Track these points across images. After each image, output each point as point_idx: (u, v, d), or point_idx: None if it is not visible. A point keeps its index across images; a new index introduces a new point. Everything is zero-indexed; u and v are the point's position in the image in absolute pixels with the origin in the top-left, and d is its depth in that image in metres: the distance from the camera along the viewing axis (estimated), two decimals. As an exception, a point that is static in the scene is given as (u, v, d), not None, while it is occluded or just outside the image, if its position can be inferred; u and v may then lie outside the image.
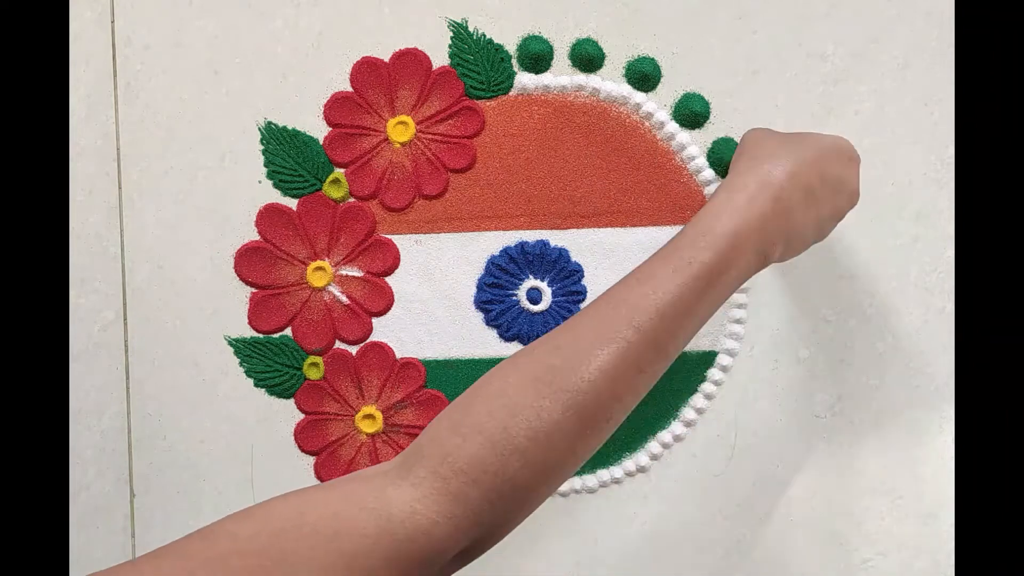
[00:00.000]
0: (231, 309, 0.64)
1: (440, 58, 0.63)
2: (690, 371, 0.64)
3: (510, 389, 0.45)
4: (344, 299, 0.64)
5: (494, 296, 0.64)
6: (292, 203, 0.64)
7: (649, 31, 0.63)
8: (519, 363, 0.46)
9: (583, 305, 0.64)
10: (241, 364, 0.64)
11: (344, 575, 0.40)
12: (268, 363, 0.64)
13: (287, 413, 0.65)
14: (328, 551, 0.41)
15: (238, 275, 0.64)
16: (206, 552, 0.40)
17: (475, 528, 0.43)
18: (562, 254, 0.64)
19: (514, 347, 0.64)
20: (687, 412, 0.64)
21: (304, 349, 0.64)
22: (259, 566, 0.40)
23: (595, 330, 0.46)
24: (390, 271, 0.64)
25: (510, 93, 0.63)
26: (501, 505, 0.44)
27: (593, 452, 0.47)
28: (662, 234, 0.64)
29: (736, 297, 0.64)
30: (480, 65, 0.63)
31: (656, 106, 0.63)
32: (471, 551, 0.45)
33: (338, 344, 0.64)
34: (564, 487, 0.65)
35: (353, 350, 0.64)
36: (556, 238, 0.64)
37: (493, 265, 0.64)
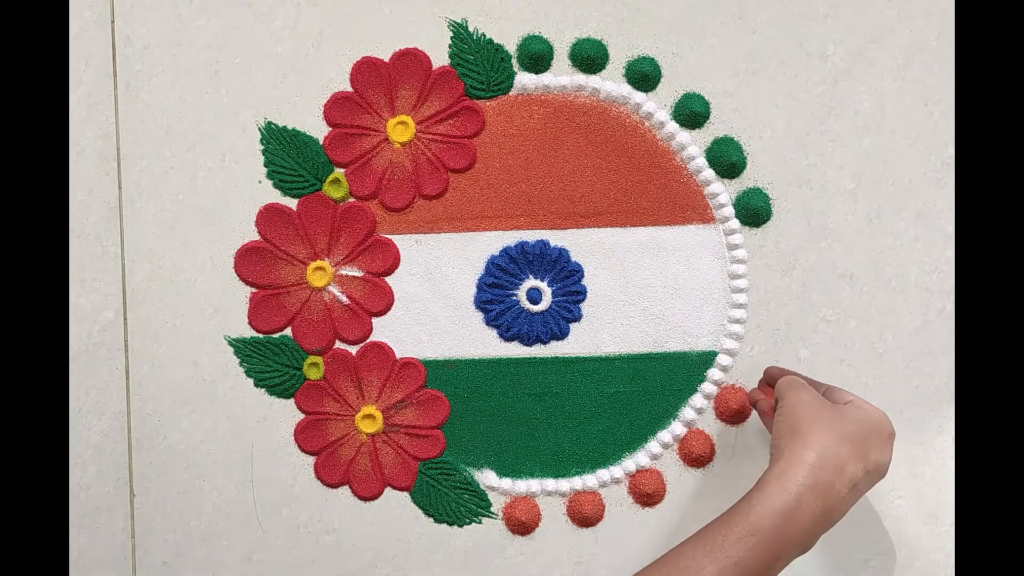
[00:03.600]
0: (231, 309, 0.64)
1: (440, 58, 0.63)
2: (690, 371, 0.64)
3: None
4: (344, 299, 0.64)
5: (494, 296, 0.64)
6: (292, 203, 0.64)
7: (649, 31, 0.63)
8: None
9: (583, 306, 0.64)
10: (241, 364, 0.64)
11: None
12: (268, 363, 0.64)
13: (287, 413, 0.65)
14: None
15: (238, 275, 0.64)
16: None
17: None
18: (562, 254, 0.64)
19: (514, 347, 0.64)
20: (687, 412, 0.64)
21: (304, 349, 0.64)
22: None
23: None
24: (390, 271, 0.64)
25: (510, 93, 0.63)
26: None
27: None
28: (662, 234, 0.64)
29: (736, 297, 0.64)
30: (480, 65, 0.63)
31: (656, 106, 0.63)
32: None
33: (338, 344, 0.64)
34: (564, 487, 0.65)
35: (353, 350, 0.64)
36: (556, 238, 0.64)
37: (493, 265, 0.64)
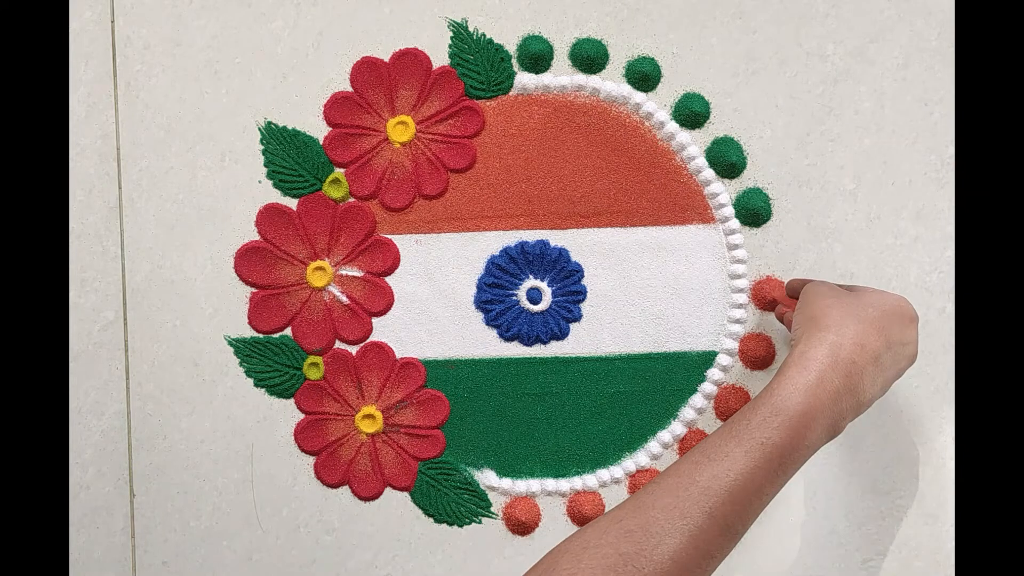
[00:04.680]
0: (231, 309, 0.64)
1: (440, 58, 0.63)
2: (690, 371, 0.64)
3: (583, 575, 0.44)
4: (344, 299, 0.64)
5: (494, 296, 0.64)
6: (292, 203, 0.64)
7: (649, 31, 0.63)
8: (590, 547, 0.45)
9: (583, 306, 0.64)
10: (241, 364, 0.64)
11: None
12: (268, 363, 0.64)
13: (287, 413, 0.65)
14: None
15: (238, 275, 0.64)
16: None
17: None
18: (562, 254, 0.64)
19: (514, 347, 0.64)
20: (687, 412, 0.64)
21: (304, 349, 0.64)
22: None
23: (666, 514, 0.46)
24: (390, 271, 0.64)
25: (510, 93, 0.63)
26: None
27: None
28: (662, 234, 0.64)
29: (736, 297, 0.64)
30: (480, 65, 0.63)
31: (656, 106, 0.63)
32: None
33: (338, 344, 0.64)
34: (564, 487, 0.65)
35: (353, 350, 0.64)
36: (556, 238, 0.64)
37: (493, 265, 0.64)
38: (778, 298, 0.62)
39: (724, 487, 0.46)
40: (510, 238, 0.64)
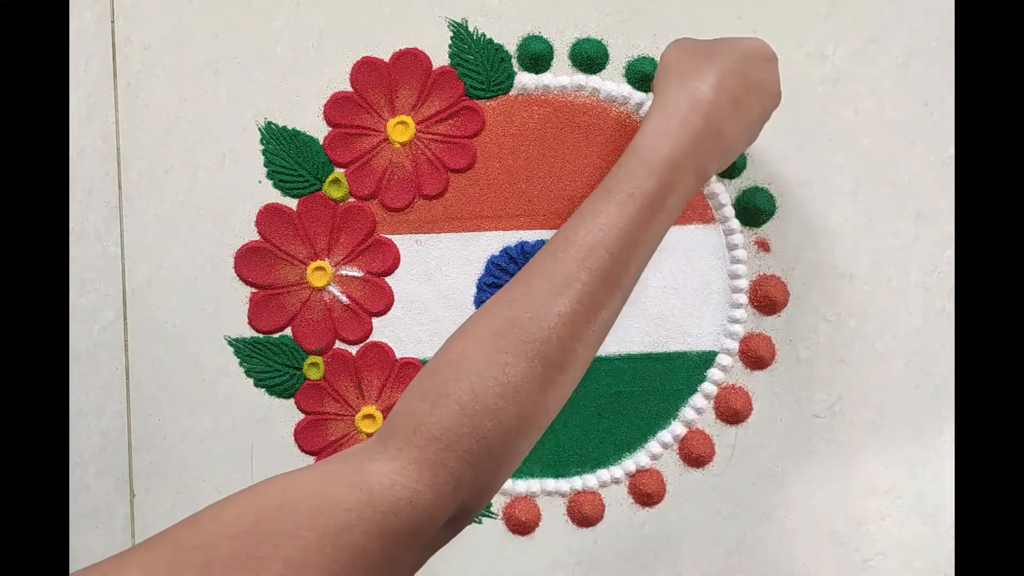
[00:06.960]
0: (231, 309, 0.64)
1: (440, 58, 0.63)
2: (690, 371, 0.64)
3: (471, 349, 0.46)
4: (344, 299, 0.64)
5: (494, 296, 0.64)
6: (292, 203, 0.64)
7: (649, 31, 0.63)
8: (478, 323, 0.47)
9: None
10: (241, 364, 0.64)
11: (329, 551, 0.40)
12: (268, 363, 0.64)
13: (287, 413, 0.65)
14: (312, 528, 0.41)
15: (238, 275, 0.64)
16: (193, 539, 0.40)
17: (458, 492, 0.44)
18: (562, 254, 0.64)
19: (514, 347, 0.64)
20: (687, 412, 0.64)
21: (304, 349, 0.64)
22: (243, 548, 0.40)
23: (548, 277, 0.47)
24: (390, 271, 0.64)
25: (510, 93, 0.63)
26: (481, 467, 0.44)
27: (563, 401, 0.47)
28: (662, 234, 0.64)
29: (736, 297, 0.64)
30: (480, 65, 0.63)
31: (656, 106, 0.63)
32: (460, 517, 0.45)
33: (338, 344, 0.64)
34: (565, 487, 0.65)
35: (353, 350, 0.64)
36: (556, 238, 0.64)
37: (493, 265, 0.64)
38: None
39: (601, 242, 0.47)
40: (510, 238, 0.64)
